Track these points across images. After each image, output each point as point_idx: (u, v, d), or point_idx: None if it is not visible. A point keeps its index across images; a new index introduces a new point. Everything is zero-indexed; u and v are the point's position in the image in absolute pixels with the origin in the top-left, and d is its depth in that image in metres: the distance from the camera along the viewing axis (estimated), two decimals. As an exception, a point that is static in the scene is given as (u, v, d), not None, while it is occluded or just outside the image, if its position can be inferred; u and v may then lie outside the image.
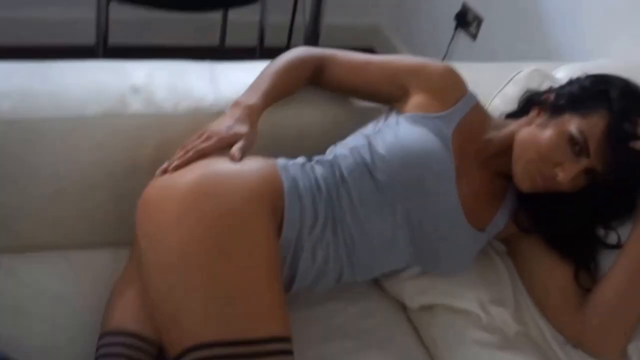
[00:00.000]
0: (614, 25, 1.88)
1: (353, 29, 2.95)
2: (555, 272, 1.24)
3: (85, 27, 2.20)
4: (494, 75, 1.50)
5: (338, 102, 1.38)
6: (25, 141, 1.18)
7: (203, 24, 2.60)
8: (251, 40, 2.31)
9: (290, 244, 1.10)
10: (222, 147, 1.12)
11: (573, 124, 1.12)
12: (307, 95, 1.34)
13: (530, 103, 1.27)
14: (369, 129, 1.24)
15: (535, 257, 1.27)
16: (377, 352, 1.20)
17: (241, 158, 1.10)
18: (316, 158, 1.21)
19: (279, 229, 1.09)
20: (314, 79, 1.31)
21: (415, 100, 1.23)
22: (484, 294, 1.27)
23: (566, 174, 1.12)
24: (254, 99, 1.20)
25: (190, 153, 1.10)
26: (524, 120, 1.22)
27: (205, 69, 1.37)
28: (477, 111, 1.27)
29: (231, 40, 2.52)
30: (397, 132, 1.17)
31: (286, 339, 0.99)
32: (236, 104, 1.20)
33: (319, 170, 1.17)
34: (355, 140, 1.22)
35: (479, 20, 2.46)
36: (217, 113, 1.23)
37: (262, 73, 1.26)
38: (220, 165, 1.09)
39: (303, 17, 2.59)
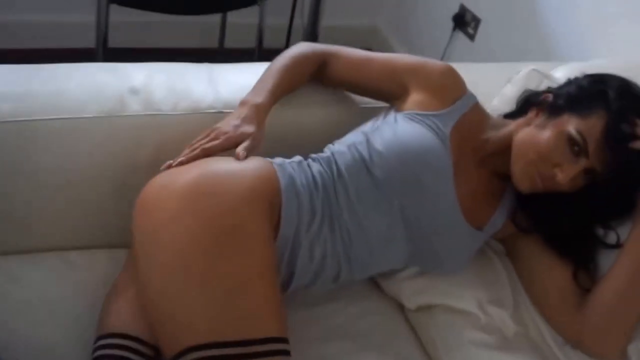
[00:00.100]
0: (613, 25, 1.88)
1: (351, 30, 2.95)
2: (554, 272, 1.24)
3: (85, 31, 2.20)
4: (492, 76, 1.50)
5: (338, 102, 1.38)
6: (24, 142, 1.19)
7: (202, 26, 2.60)
8: (250, 42, 2.31)
9: (288, 242, 1.10)
10: (229, 147, 1.12)
11: (571, 125, 1.13)
12: (307, 96, 1.34)
13: (529, 103, 1.27)
14: (368, 126, 1.24)
15: (534, 257, 1.27)
16: (377, 352, 1.20)
17: (246, 157, 1.11)
18: (313, 156, 1.21)
19: (277, 226, 1.09)
20: (316, 74, 1.32)
21: (415, 98, 1.23)
22: (483, 294, 1.27)
23: (565, 175, 1.12)
24: (260, 98, 1.20)
25: (197, 151, 1.11)
26: (522, 120, 1.22)
27: (204, 70, 1.38)
28: (477, 111, 1.27)
29: (230, 42, 2.53)
30: (395, 129, 1.17)
31: (283, 340, 0.99)
32: (243, 103, 1.20)
33: (315, 167, 1.17)
34: (353, 137, 1.22)
35: (476, 21, 2.46)
36: (215, 114, 1.24)
37: (267, 71, 1.26)
38: (218, 165, 1.09)
39: (301, 19, 2.59)
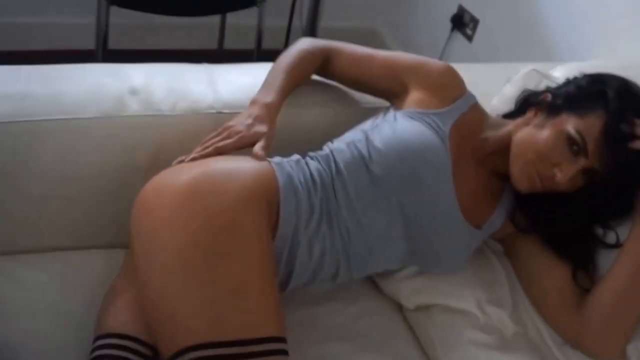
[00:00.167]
0: (611, 25, 1.88)
1: (350, 31, 2.93)
2: (553, 272, 1.24)
3: (84, 32, 2.20)
4: (491, 76, 1.51)
5: (338, 102, 1.38)
6: (24, 143, 1.19)
7: (201, 28, 2.60)
8: (249, 43, 2.31)
9: (286, 240, 1.10)
10: (242, 146, 1.13)
11: (570, 124, 1.13)
12: (307, 96, 1.34)
13: (528, 103, 1.27)
14: (367, 124, 1.24)
15: (533, 257, 1.26)
16: (376, 353, 1.20)
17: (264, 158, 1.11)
18: (311, 154, 1.21)
19: (275, 225, 1.09)
20: (319, 70, 1.32)
21: (414, 96, 1.24)
22: (481, 293, 1.27)
23: (564, 174, 1.12)
24: (270, 97, 1.20)
25: (210, 149, 1.11)
26: (521, 120, 1.22)
27: (203, 71, 1.38)
28: (476, 110, 1.27)
29: (229, 44, 2.53)
30: (394, 127, 1.18)
31: (281, 339, 0.99)
32: (253, 102, 1.20)
33: (313, 165, 1.17)
34: (352, 135, 1.22)
35: (475, 22, 2.47)
36: (215, 114, 1.24)
37: (274, 69, 1.26)
38: (217, 164, 1.09)
39: (300, 20, 2.60)
